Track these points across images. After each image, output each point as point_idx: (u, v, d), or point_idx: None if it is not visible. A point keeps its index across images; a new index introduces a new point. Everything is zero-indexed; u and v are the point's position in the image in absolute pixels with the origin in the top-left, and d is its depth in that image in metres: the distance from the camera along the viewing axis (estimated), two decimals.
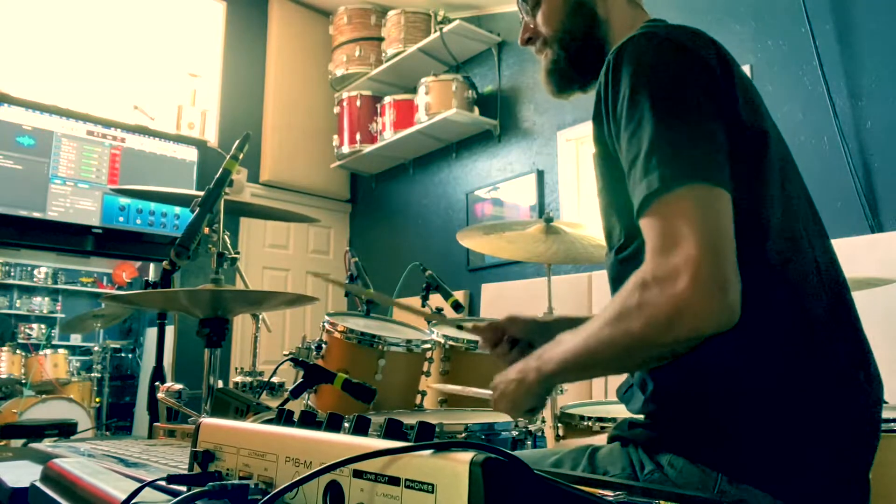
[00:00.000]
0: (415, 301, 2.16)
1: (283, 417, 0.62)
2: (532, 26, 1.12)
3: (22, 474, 0.86)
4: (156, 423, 1.86)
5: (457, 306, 2.17)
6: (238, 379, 1.98)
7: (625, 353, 0.79)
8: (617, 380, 1.03)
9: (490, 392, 1.01)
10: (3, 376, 4.38)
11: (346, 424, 0.52)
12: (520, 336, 1.19)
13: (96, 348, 5.03)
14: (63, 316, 7.55)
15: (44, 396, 4.15)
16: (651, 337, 0.75)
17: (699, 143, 0.78)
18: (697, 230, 0.73)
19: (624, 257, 0.92)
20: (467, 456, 0.39)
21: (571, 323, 1.19)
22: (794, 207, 0.89)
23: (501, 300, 3.74)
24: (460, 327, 1.27)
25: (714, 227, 0.74)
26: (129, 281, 7.47)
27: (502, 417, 1.52)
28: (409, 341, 1.90)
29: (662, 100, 0.80)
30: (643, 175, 0.78)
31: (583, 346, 0.83)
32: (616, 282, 0.94)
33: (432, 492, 0.40)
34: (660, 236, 0.76)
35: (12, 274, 7.40)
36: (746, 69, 2.93)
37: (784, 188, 0.88)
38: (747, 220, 0.82)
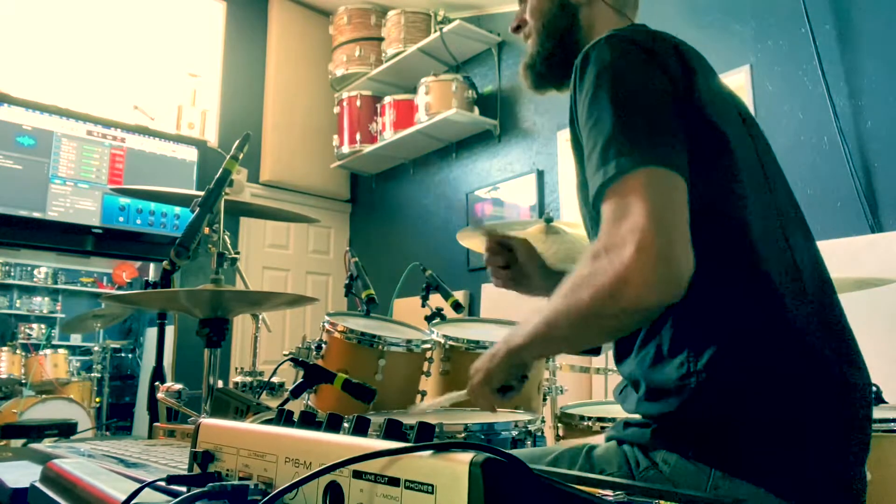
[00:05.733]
0: (415, 301, 2.16)
1: (283, 418, 0.62)
2: (521, 14, 1.16)
3: (22, 474, 0.86)
4: (156, 424, 1.87)
5: (457, 306, 2.17)
6: (238, 379, 1.98)
7: (578, 323, 0.80)
8: (617, 380, 1.03)
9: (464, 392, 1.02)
10: (3, 376, 4.38)
11: (346, 425, 0.52)
12: (521, 263, 1.24)
13: (96, 348, 5.02)
14: (63, 316, 7.56)
15: (44, 396, 4.15)
16: (598, 307, 0.76)
17: (655, 133, 0.81)
18: (647, 203, 0.75)
19: None
20: (467, 456, 0.39)
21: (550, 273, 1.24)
22: (774, 210, 0.90)
23: (502, 300, 3.74)
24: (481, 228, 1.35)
25: (664, 202, 0.76)
26: (129, 281, 7.47)
27: (502, 417, 1.51)
28: (409, 341, 1.90)
29: (621, 96, 0.83)
30: (600, 165, 0.81)
31: (543, 319, 0.85)
32: None
33: (432, 492, 0.40)
34: (612, 211, 0.78)
35: (12, 274, 7.40)
36: (746, 69, 2.93)
37: (762, 191, 0.90)
38: (723, 218, 0.85)
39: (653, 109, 0.83)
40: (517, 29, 1.17)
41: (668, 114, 0.83)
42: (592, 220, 0.94)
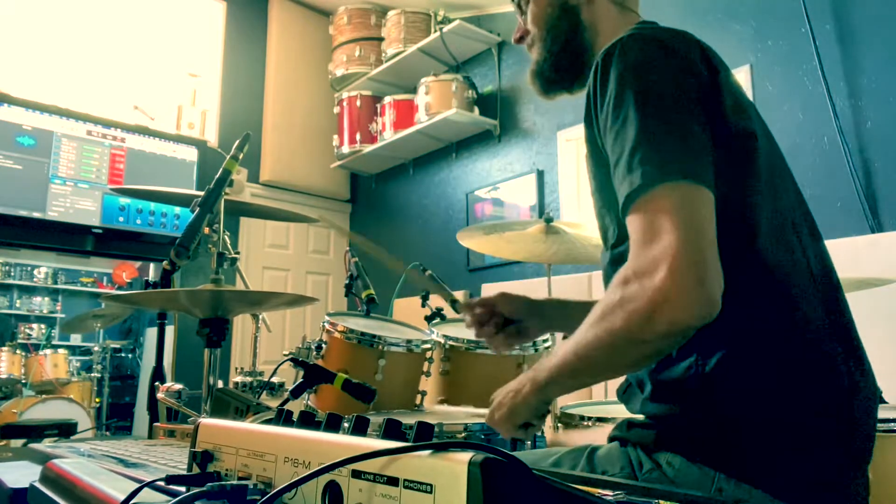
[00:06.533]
0: (414, 301, 2.16)
1: (283, 417, 0.62)
2: (523, 25, 1.16)
3: (21, 475, 0.86)
4: (156, 423, 1.87)
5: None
6: (238, 379, 1.98)
7: (610, 352, 0.78)
8: (617, 380, 1.03)
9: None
10: (3, 376, 4.38)
11: (346, 424, 0.52)
12: (510, 316, 1.21)
13: (96, 348, 5.02)
14: (63, 316, 7.56)
15: (44, 396, 4.15)
16: (633, 333, 0.75)
17: (682, 141, 0.79)
18: (677, 224, 0.74)
19: (617, 257, 0.92)
20: (466, 456, 0.39)
21: (562, 305, 1.23)
22: (784, 211, 0.89)
23: None
24: (454, 303, 1.30)
25: (694, 222, 0.75)
26: (129, 281, 7.48)
27: None
28: (409, 341, 1.90)
29: (647, 99, 0.81)
30: (626, 173, 0.79)
31: (572, 351, 0.82)
32: (609, 281, 0.95)
33: (431, 492, 0.40)
34: (641, 231, 0.77)
35: (12, 274, 7.41)
36: (746, 69, 2.93)
37: (774, 192, 0.88)
38: (736, 221, 0.83)
39: (679, 115, 0.80)
40: (520, 40, 1.16)
41: (694, 119, 0.80)
42: (615, 223, 0.92)
